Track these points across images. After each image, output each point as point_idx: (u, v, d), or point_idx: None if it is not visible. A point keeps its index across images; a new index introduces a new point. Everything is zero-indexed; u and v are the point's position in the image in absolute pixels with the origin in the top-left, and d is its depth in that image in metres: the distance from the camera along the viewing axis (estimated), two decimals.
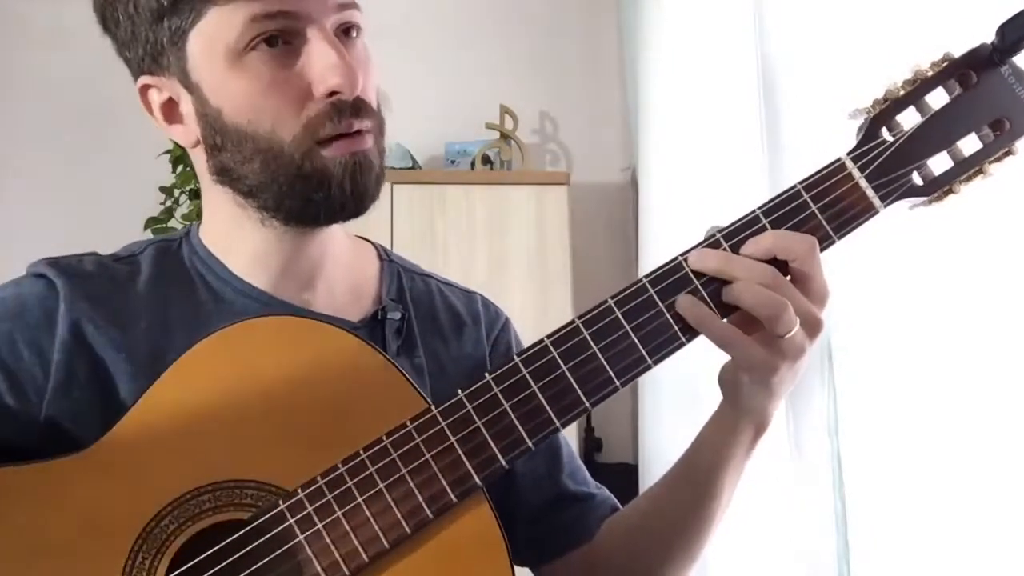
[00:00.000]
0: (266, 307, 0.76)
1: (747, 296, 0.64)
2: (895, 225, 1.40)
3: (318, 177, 0.70)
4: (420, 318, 0.84)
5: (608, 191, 2.71)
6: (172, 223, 2.36)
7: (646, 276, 0.67)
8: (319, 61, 0.69)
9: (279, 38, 0.68)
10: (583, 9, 2.80)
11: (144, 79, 0.74)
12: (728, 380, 0.71)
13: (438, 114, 2.68)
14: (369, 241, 0.90)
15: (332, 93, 0.69)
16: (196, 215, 2.36)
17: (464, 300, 0.89)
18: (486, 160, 2.54)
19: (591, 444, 2.48)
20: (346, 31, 0.72)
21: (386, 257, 0.88)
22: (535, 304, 2.27)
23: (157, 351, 0.71)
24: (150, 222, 2.35)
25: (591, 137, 2.76)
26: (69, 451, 0.64)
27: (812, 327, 0.66)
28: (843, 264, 1.56)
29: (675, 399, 1.84)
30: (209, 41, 0.69)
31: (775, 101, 1.83)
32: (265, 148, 0.70)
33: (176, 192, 2.40)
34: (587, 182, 2.66)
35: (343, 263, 0.82)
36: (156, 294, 0.76)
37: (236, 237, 0.77)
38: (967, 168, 0.68)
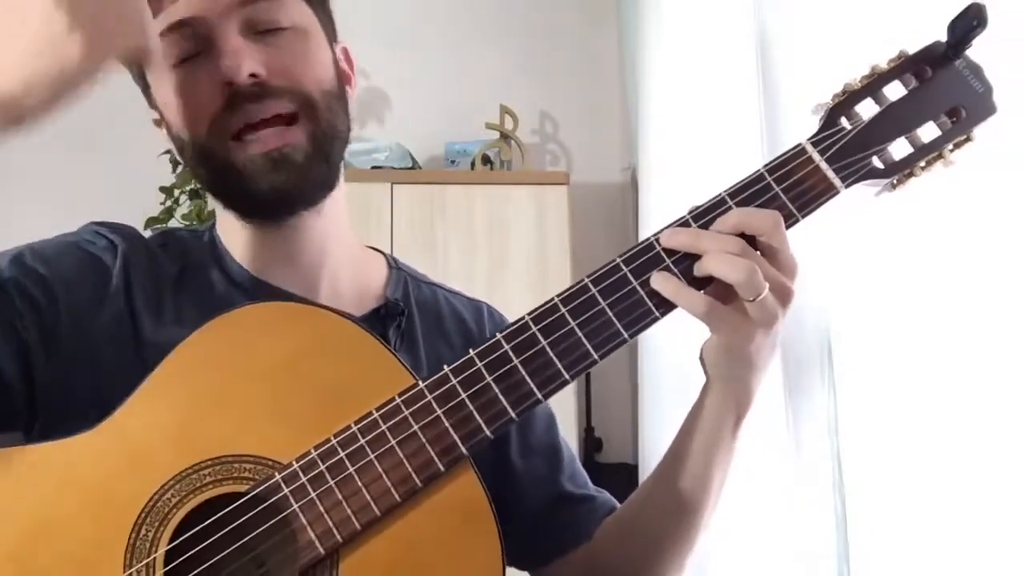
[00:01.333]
0: (275, 299, 0.78)
1: (716, 264, 0.67)
2: (894, 226, 1.40)
3: (232, 173, 0.74)
4: (425, 321, 0.87)
5: (608, 191, 2.71)
6: (172, 223, 2.36)
7: (620, 256, 0.70)
8: (213, 62, 0.72)
9: (194, 51, 0.73)
10: (583, 9, 2.80)
11: (152, 114, 0.82)
12: (708, 356, 0.73)
13: (438, 114, 2.68)
14: (381, 252, 0.92)
15: (228, 85, 0.72)
16: (196, 215, 2.36)
17: (470, 308, 0.92)
18: (486, 160, 2.55)
19: (591, 444, 2.48)
20: (267, 30, 0.74)
21: (395, 266, 0.91)
22: (535, 304, 2.26)
23: (175, 334, 0.73)
24: (150, 222, 2.35)
25: (591, 137, 2.76)
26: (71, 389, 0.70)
27: (783, 295, 0.68)
28: (843, 263, 1.57)
29: (675, 399, 1.84)
30: (156, 65, 0.75)
31: (775, 101, 1.83)
32: (194, 151, 0.75)
33: (176, 192, 2.41)
34: (587, 182, 2.66)
35: (348, 265, 0.85)
36: (181, 280, 0.80)
37: (231, 233, 0.82)
38: (926, 153, 0.72)
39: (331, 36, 0.81)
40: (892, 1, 1.45)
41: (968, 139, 0.73)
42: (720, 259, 0.66)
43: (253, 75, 0.71)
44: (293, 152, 0.73)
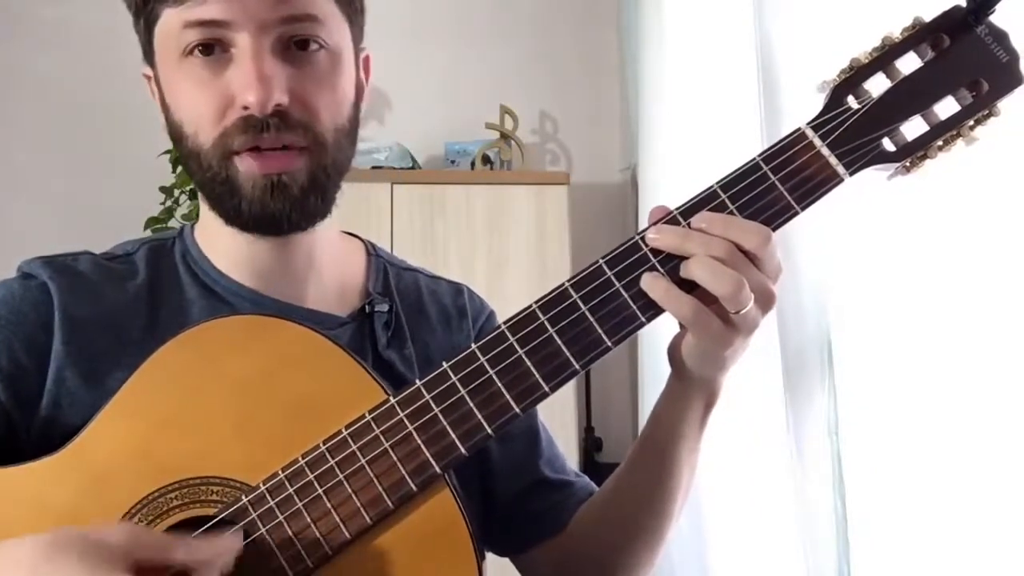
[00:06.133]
0: (256, 305, 0.77)
1: (703, 271, 0.63)
2: (895, 225, 1.40)
3: (229, 187, 0.71)
4: (407, 310, 0.85)
5: (608, 191, 2.71)
6: (172, 223, 2.36)
7: (603, 257, 0.66)
8: (236, 75, 0.69)
9: (215, 46, 0.69)
10: (583, 9, 2.80)
11: (144, 68, 0.77)
12: (679, 354, 0.71)
13: (438, 114, 2.68)
14: (358, 237, 0.90)
15: (245, 108, 0.68)
16: (196, 215, 2.35)
17: (450, 292, 0.90)
18: (486, 160, 2.55)
19: (591, 444, 2.48)
20: (300, 44, 0.70)
21: (373, 252, 0.89)
22: None
23: (149, 349, 0.71)
24: (150, 222, 2.35)
25: (591, 137, 2.76)
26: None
27: (766, 301, 0.66)
28: (843, 263, 1.57)
29: None
30: (164, 41, 0.71)
31: (776, 101, 1.82)
32: (191, 150, 0.72)
33: (176, 192, 2.40)
34: (587, 182, 2.66)
35: (331, 260, 0.83)
36: (150, 293, 0.77)
37: (216, 237, 0.78)
38: (943, 131, 0.66)
39: (358, 48, 0.78)
40: (903, 8, 1.44)
41: (991, 114, 0.65)
42: (706, 267, 0.63)
43: (277, 105, 0.68)
44: (291, 181, 0.70)
